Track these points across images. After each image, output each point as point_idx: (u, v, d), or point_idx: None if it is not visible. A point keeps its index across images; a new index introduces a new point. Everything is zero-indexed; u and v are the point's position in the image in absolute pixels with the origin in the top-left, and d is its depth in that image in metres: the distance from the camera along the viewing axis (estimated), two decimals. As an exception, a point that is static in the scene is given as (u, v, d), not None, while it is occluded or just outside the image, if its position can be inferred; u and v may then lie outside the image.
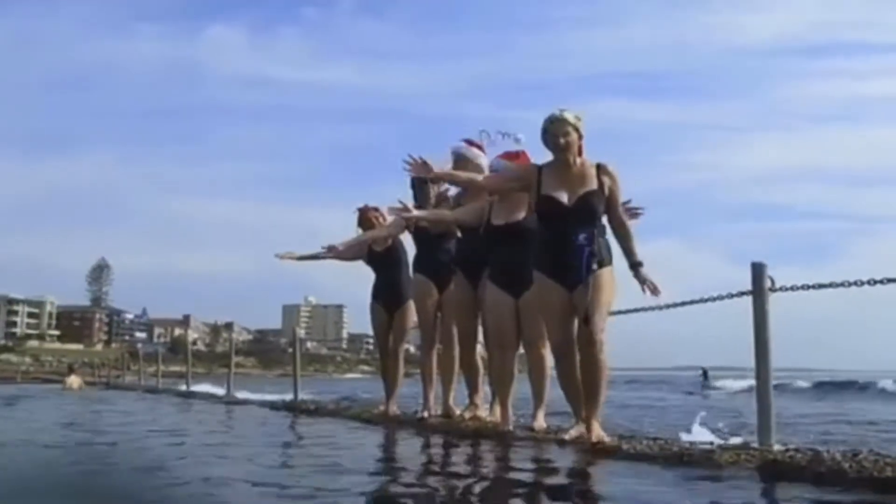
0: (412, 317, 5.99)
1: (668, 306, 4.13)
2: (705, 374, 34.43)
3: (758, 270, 3.61)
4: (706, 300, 4.03)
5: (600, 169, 4.00)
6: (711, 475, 3.15)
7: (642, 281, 3.96)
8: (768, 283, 3.60)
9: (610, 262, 4.02)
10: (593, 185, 3.95)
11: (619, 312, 4.56)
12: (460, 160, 5.06)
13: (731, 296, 3.77)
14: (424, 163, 4.37)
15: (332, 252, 6.00)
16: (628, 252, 4.01)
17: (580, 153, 4.00)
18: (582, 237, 3.90)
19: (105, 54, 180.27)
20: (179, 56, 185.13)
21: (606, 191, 3.96)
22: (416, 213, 5.04)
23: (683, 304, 4.20)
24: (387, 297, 6.16)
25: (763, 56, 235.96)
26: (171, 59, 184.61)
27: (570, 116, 3.95)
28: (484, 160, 5.05)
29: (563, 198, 3.94)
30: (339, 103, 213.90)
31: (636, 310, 4.55)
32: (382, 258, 6.16)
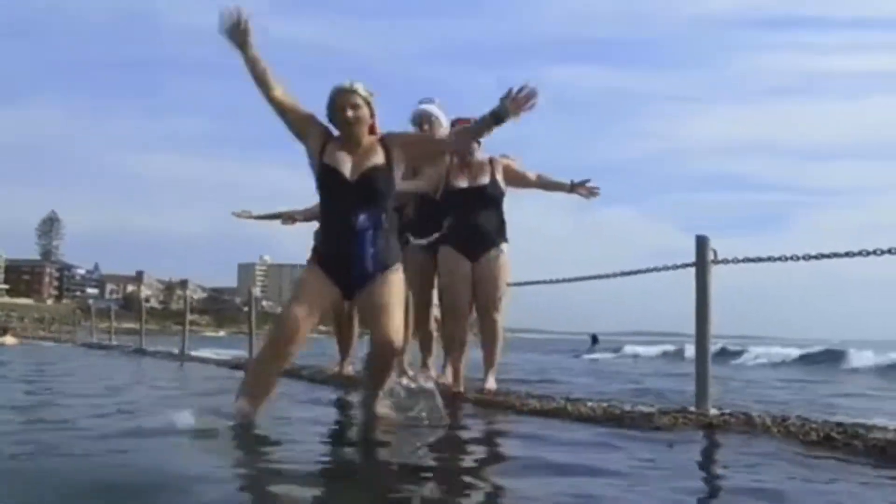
0: None
1: (613, 275, 4.25)
2: (594, 339, 35.21)
3: (701, 243, 3.74)
4: (650, 270, 4.16)
5: (385, 141, 3.55)
6: (650, 436, 3.32)
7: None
8: (711, 256, 3.73)
9: (395, 263, 3.54)
10: (380, 159, 3.49)
11: (566, 280, 4.68)
12: (429, 119, 4.99)
13: (676, 267, 3.90)
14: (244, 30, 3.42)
15: (292, 222, 6.02)
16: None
17: (372, 132, 3.56)
18: (362, 218, 3.43)
19: (52, 2, 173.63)
20: (135, 5, 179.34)
21: (397, 165, 3.54)
22: None
23: (630, 273, 4.32)
24: None
25: (722, 26, 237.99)
26: (126, 7, 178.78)
27: (360, 88, 3.49)
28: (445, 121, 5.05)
29: (346, 171, 3.46)
30: (299, 59, 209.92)
31: (580, 278, 4.67)
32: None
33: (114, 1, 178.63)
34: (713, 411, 3.64)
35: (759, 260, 3.72)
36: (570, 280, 4.74)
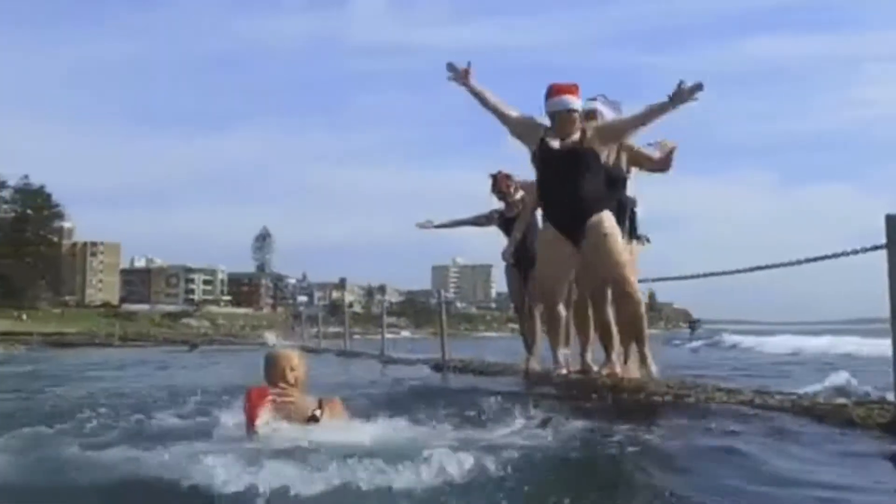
0: None
1: (797, 262, 4.09)
2: (693, 326, 33.52)
3: (892, 222, 3.52)
4: (836, 256, 3.95)
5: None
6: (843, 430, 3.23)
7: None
8: (904, 236, 3.50)
9: None
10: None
11: (744, 271, 4.56)
12: (595, 116, 5.09)
13: (865, 250, 3.70)
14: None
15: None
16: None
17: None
18: None
19: (254, 31, 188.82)
20: (324, 27, 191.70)
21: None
22: None
23: (815, 259, 4.14)
24: (520, 260, 6.39)
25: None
26: (315, 30, 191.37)
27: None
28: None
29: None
30: (480, 61, 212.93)
31: (763, 267, 4.53)
32: (514, 223, 6.41)
33: (304, 25, 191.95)
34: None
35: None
36: (742, 271, 4.61)
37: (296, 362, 3.45)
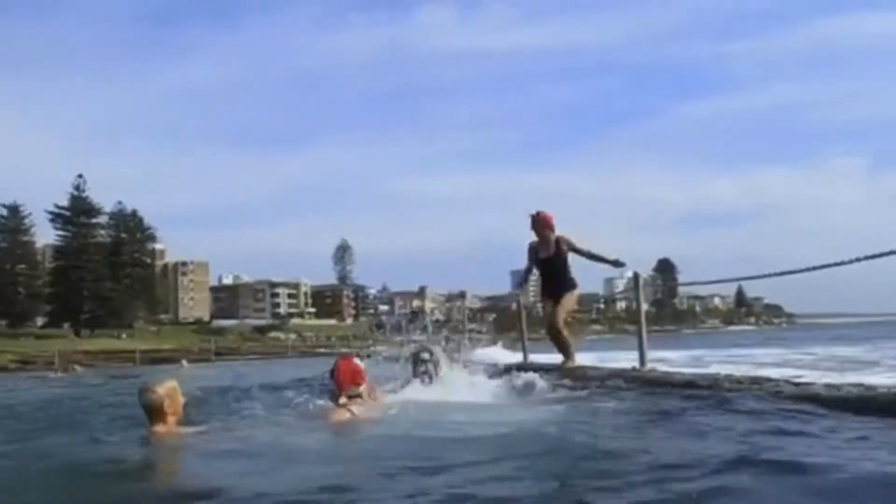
0: (571, 302, 7.44)
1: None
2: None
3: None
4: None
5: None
6: None
7: None
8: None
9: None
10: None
11: (822, 266, 4.67)
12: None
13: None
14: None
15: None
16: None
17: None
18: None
19: (327, 49, 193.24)
20: (393, 41, 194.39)
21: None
22: None
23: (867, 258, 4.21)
24: (551, 291, 7.41)
25: None
26: (385, 44, 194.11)
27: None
28: None
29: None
30: (552, 63, 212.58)
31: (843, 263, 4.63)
32: (547, 262, 7.35)
33: (374, 40, 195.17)
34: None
35: None
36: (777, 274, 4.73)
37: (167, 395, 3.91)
